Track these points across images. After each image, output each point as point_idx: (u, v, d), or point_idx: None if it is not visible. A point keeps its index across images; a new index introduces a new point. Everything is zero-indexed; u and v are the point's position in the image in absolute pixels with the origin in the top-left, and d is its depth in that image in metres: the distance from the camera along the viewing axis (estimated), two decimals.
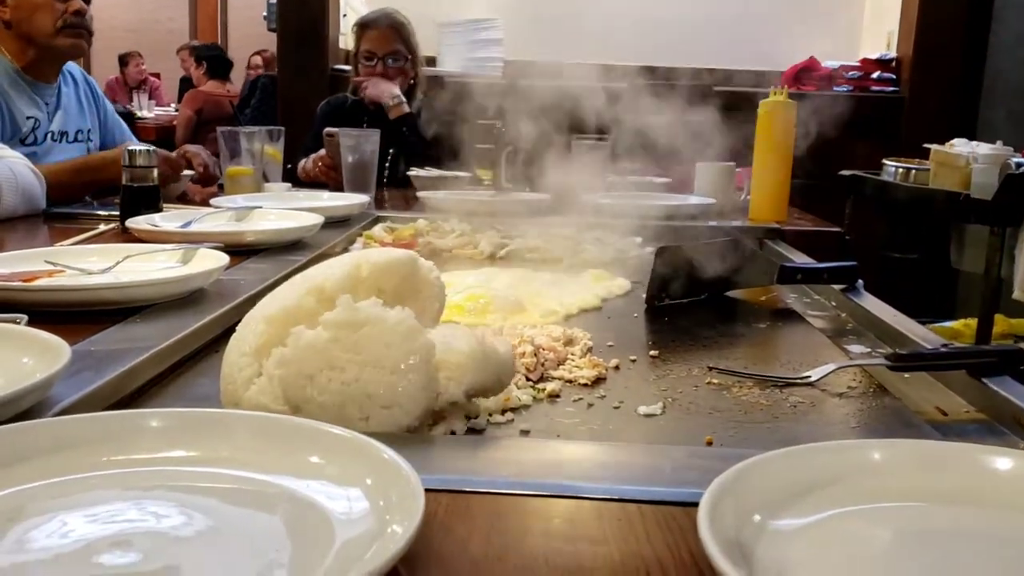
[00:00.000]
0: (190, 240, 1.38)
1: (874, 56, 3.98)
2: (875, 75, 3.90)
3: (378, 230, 1.83)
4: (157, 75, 8.74)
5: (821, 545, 0.52)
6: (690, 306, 1.32)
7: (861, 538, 0.53)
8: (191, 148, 2.38)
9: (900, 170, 2.57)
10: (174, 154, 2.32)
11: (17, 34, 2.16)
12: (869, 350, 1.09)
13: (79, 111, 2.38)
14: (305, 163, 2.57)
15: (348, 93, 2.92)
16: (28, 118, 2.19)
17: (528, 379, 0.93)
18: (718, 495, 0.51)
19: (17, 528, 0.51)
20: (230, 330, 0.77)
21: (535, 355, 0.96)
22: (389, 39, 2.77)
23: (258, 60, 7.18)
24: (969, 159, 2.55)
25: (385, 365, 0.68)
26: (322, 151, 2.51)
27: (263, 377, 0.70)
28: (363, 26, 2.84)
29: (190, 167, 2.29)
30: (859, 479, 0.57)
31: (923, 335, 1.05)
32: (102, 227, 1.67)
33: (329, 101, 2.98)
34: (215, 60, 6.82)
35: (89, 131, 2.40)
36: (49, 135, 2.24)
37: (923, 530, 0.55)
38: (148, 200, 1.66)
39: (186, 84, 7.36)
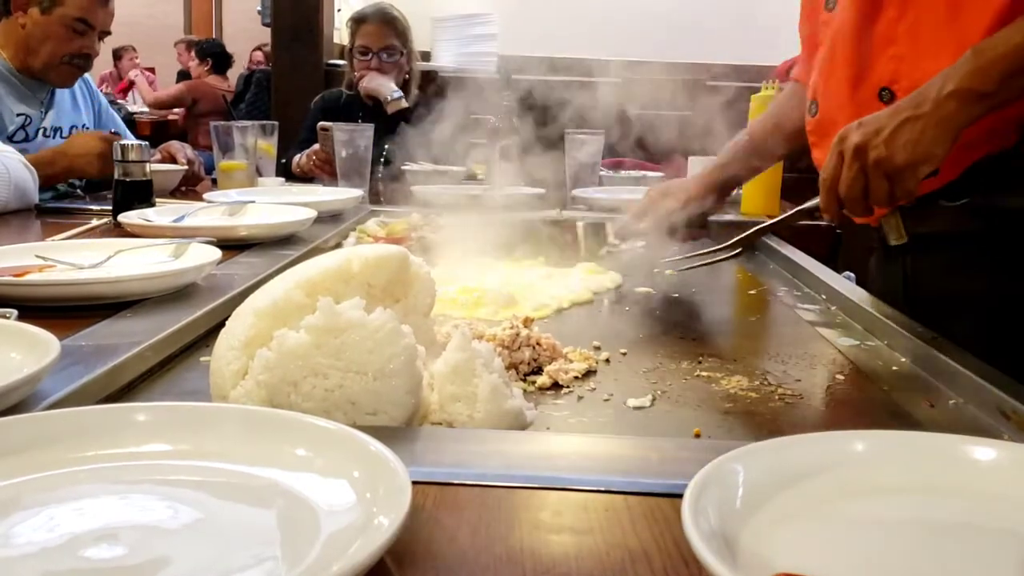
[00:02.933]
0: (182, 235, 1.38)
1: None
2: None
3: (372, 224, 1.83)
4: (152, 70, 8.72)
5: (805, 535, 0.52)
6: (680, 300, 1.32)
7: (844, 528, 0.54)
8: (174, 144, 2.38)
9: None
10: (158, 151, 2.32)
11: (26, 42, 2.17)
12: (858, 343, 1.09)
13: (73, 106, 2.38)
14: (299, 158, 2.57)
15: (343, 88, 2.92)
16: (19, 115, 2.19)
17: (518, 371, 0.93)
18: (702, 486, 0.51)
19: (4, 522, 0.51)
20: (221, 325, 0.77)
21: (533, 348, 0.96)
22: (383, 34, 2.77)
23: (259, 55, 7.18)
24: None
25: (368, 371, 0.68)
26: (316, 146, 2.51)
27: (249, 380, 0.69)
28: (358, 21, 2.84)
29: (174, 162, 2.29)
30: (843, 470, 0.57)
31: (910, 327, 1.05)
32: (94, 222, 1.67)
33: (323, 96, 2.98)
34: (219, 56, 6.84)
35: (84, 126, 2.40)
36: (41, 131, 2.24)
37: (906, 521, 0.56)
38: (141, 195, 1.66)
39: (184, 78, 7.36)
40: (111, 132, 2.07)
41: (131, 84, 7.96)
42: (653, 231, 1.49)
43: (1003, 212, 1.11)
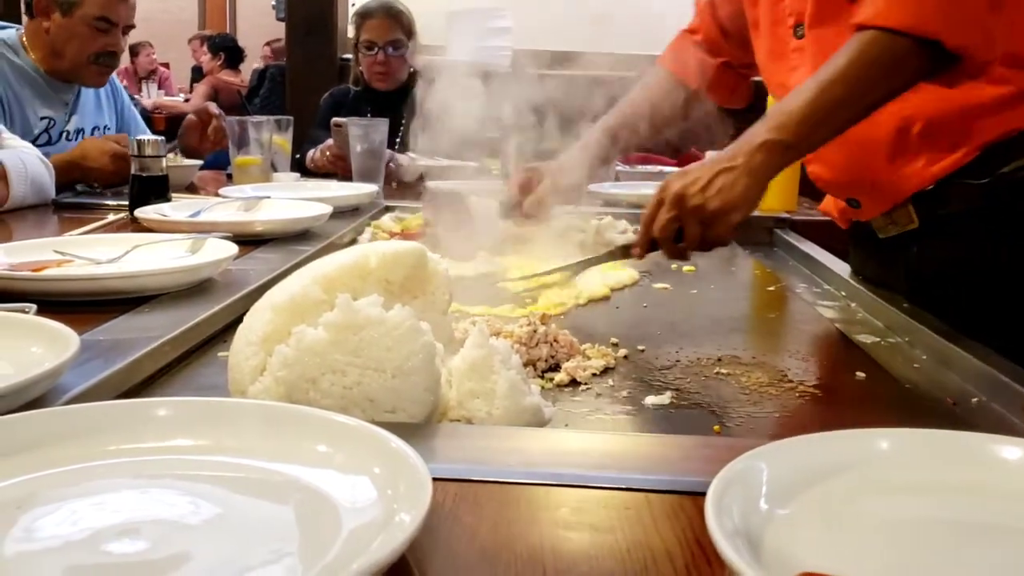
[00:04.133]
0: (199, 230, 1.38)
1: None
2: None
3: (386, 220, 1.83)
4: (166, 65, 8.75)
5: (828, 534, 0.52)
6: (698, 296, 1.32)
7: (868, 527, 0.53)
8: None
9: None
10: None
11: (51, 45, 2.18)
12: (879, 340, 1.08)
13: (97, 107, 2.39)
14: (313, 153, 2.57)
15: (350, 84, 2.92)
16: (43, 118, 2.20)
17: (536, 368, 0.93)
18: (725, 484, 0.51)
19: (26, 516, 0.51)
20: (239, 320, 0.77)
21: (550, 345, 0.96)
22: (389, 28, 2.77)
23: (267, 51, 7.19)
24: None
25: (386, 369, 0.68)
26: (330, 141, 2.51)
27: (267, 376, 0.69)
28: (363, 16, 2.84)
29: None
30: (867, 468, 0.57)
31: (931, 323, 1.04)
32: (111, 217, 1.68)
33: (332, 93, 2.98)
34: (232, 51, 6.87)
35: (106, 127, 2.41)
36: (64, 135, 2.25)
37: (930, 520, 0.55)
38: (157, 190, 1.66)
39: (198, 74, 7.38)
40: (119, 144, 2.04)
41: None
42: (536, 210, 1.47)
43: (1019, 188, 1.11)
